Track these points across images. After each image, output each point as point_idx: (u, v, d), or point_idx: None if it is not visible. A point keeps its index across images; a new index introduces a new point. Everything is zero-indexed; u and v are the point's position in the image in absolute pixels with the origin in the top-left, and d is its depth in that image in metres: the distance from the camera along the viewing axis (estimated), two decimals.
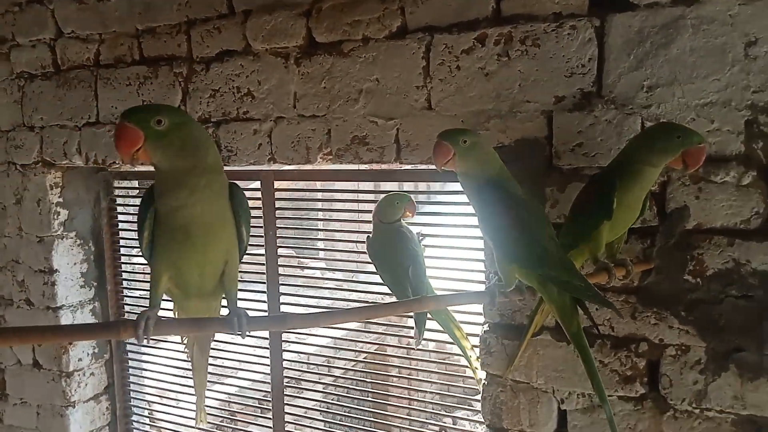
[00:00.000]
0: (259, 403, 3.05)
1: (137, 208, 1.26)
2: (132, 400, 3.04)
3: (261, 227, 2.49)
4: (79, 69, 2.56)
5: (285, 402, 2.63)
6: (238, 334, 1.16)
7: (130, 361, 3.00)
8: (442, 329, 2.02)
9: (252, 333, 2.37)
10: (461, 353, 2.03)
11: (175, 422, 2.98)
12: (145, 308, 1.18)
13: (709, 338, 1.58)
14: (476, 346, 1.99)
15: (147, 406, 3.08)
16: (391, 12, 1.92)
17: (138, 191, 3.03)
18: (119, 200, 2.92)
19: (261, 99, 2.17)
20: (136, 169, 2.71)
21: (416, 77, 1.90)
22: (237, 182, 1.22)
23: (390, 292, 2.06)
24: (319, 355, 4.76)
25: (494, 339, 1.85)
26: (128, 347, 2.99)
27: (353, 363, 4.51)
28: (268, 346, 2.61)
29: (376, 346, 6.66)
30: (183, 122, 1.12)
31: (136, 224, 1.24)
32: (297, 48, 2.08)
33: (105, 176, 2.85)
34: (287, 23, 2.08)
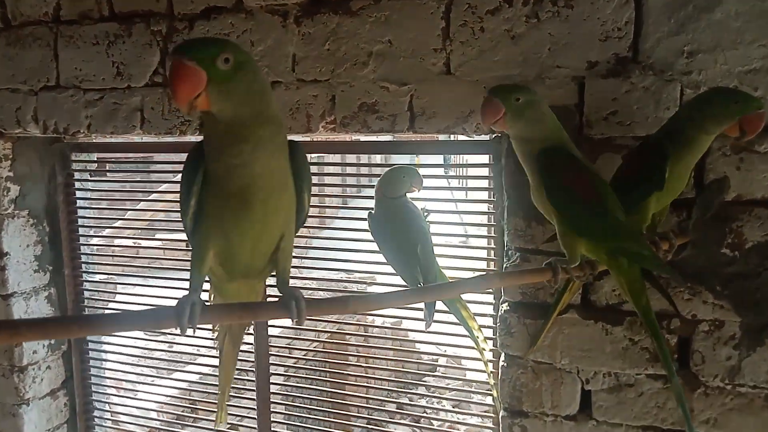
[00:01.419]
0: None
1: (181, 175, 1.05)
2: (93, 394, 2.78)
3: None
4: (34, 25, 2.25)
5: (271, 391, 2.46)
6: (296, 321, 1.00)
7: (90, 352, 2.74)
8: (447, 309, 1.92)
9: None
10: (468, 334, 1.93)
11: (137, 415, 2.76)
12: (184, 296, 0.98)
13: (744, 313, 1.54)
14: (483, 327, 1.91)
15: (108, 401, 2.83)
16: None
17: (98, 165, 2.75)
18: (77, 175, 2.63)
19: None
20: (96, 140, 2.45)
21: (434, 39, 1.76)
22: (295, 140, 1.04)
23: (394, 271, 1.94)
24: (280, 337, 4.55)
25: (515, 319, 1.76)
26: (88, 338, 2.72)
27: (313, 345, 4.35)
28: (252, 332, 2.43)
29: (336, 328, 6.53)
30: (248, 61, 0.93)
31: (179, 191, 1.03)
32: (297, 5, 1.90)
33: (61, 148, 2.56)
34: None
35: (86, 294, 2.69)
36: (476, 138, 1.91)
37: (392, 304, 1.14)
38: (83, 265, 2.67)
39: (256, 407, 2.48)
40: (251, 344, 2.45)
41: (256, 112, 0.95)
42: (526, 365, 1.76)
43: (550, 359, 1.73)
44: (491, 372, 1.97)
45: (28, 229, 2.52)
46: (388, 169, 1.86)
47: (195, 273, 1.04)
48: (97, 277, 2.77)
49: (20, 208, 2.49)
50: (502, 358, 1.81)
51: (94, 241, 2.82)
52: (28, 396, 2.54)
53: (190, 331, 0.96)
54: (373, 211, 1.90)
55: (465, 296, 1.91)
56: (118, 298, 2.87)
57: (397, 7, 1.79)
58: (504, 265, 1.77)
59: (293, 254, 1.11)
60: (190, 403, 3.68)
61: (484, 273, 1.25)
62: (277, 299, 1.03)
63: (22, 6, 2.26)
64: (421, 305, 1.91)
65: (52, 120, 2.26)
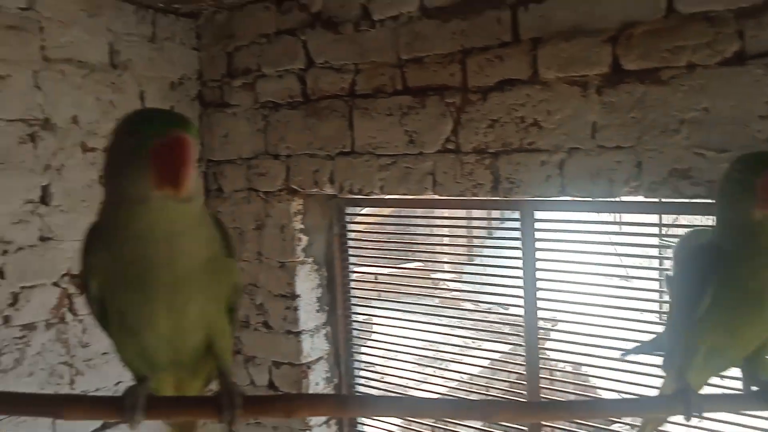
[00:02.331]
0: None
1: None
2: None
3: (520, 259, 2.42)
4: (331, 99, 2.58)
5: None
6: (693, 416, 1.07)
7: (357, 387, 3.01)
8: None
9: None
10: None
11: None
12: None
13: None
14: None
15: None
16: (725, 36, 1.77)
17: (365, 217, 3.05)
18: (349, 226, 2.95)
19: (550, 129, 2.08)
20: (372, 196, 2.71)
21: (761, 106, 1.74)
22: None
23: None
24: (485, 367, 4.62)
25: None
26: (355, 372, 3.00)
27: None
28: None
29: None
30: None
31: (682, 291, 1.16)
32: (599, 76, 1.98)
33: (338, 203, 2.88)
34: (588, 51, 1.98)
35: (354, 333, 2.98)
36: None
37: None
38: (352, 307, 2.97)
39: None
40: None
41: None
42: None
43: None
44: None
45: (313, 274, 2.87)
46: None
47: (688, 365, 1.13)
48: (360, 317, 3.05)
49: (308, 255, 2.84)
50: None
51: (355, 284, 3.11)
52: (312, 423, 2.87)
53: None
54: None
55: None
56: (374, 336, 3.13)
57: (715, 75, 1.80)
58: None
59: None
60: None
61: None
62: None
63: (321, 83, 2.59)
64: None
65: (348, 182, 2.56)
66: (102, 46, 2.53)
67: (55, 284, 2.45)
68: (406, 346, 2.88)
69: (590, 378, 4.89)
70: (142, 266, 0.87)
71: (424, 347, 2.99)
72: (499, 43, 2.15)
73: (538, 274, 2.40)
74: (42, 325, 2.41)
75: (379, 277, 3.45)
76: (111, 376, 2.61)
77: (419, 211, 3.59)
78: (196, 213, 0.90)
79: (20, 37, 2.24)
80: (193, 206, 0.88)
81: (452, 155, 2.30)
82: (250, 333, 2.98)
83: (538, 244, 2.40)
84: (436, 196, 2.39)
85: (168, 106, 2.83)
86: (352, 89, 2.52)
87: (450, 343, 3.53)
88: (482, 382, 4.27)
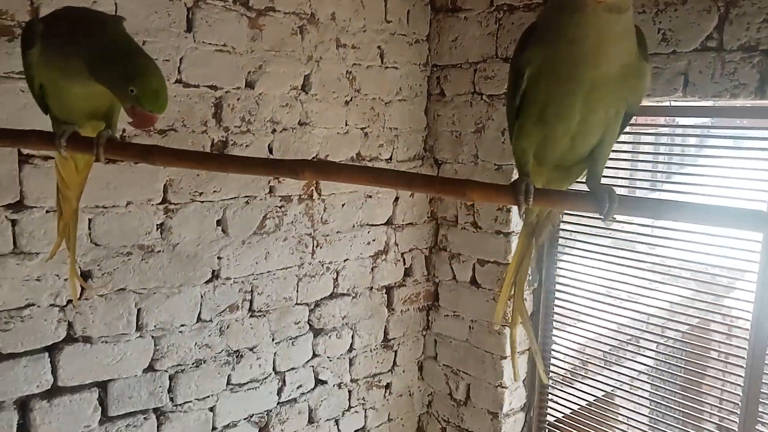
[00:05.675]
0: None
1: None
2: (553, 330, 3.15)
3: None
4: None
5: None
6: None
7: (556, 292, 3.08)
8: None
9: None
10: None
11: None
12: None
13: None
14: None
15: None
16: None
17: None
18: None
19: None
20: None
21: None
22: None
23: None
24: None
25: None
26: (558, 272, 3.05)
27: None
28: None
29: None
30: None
31: None
32: None
33: None
34: None
35: (560, 241, 3.04)
36: None
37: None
38: None
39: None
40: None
41: None
42: None
43: None
44: None
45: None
46: None
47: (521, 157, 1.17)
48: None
49: None
50: None
51: None
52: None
53: None
54: None
55: None
56: None
57: None
58: None
59: None
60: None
61: None
62: None
63: None
64: None
65: None
66: None
67: None
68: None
69: None
70: (570, 64, 1.03)
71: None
72: None
73: None
74: (296, 198, 2.75)
75: None
76: (341, 253, 2.94)
77: None
78: (624, 24, 1.01)
79: None
80: (623, 18, 0.99)
81: (712, 53, 2.19)
82: (457, 231, 3.16)
83: None
84: (687, 99, 2.31)
85: (405, 10, 2.99)
86: None
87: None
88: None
